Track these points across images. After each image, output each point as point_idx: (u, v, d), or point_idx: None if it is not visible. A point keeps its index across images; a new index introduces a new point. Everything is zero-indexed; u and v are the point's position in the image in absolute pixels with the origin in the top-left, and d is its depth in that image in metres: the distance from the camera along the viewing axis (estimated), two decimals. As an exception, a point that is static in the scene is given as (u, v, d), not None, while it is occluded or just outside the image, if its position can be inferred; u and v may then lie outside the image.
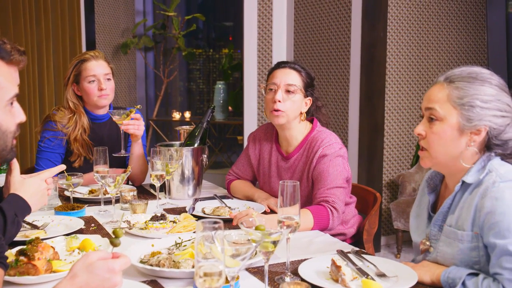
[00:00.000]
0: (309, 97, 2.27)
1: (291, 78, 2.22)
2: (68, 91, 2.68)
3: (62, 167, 1.93)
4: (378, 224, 2.37)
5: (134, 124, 2.54)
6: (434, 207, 1.65)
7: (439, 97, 1.49)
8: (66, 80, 2.69)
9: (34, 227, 1.94)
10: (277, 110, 2.20)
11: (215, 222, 1.18)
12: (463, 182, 1.48)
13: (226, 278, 1.22)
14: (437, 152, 1.51)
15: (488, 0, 4.84)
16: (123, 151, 2.58)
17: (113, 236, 1.28)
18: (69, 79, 2.67)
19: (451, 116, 1.47)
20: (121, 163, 2.78)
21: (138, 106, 2.58)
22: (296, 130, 2.28)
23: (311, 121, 2.34)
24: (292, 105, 2.21)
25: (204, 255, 1.16)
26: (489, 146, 1.48)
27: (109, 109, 2.78)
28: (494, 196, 1.39)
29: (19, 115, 1.41)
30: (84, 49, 5.25)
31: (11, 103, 1.38)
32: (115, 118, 2.52)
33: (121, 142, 2.58)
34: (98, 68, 2.64)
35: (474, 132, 1.46)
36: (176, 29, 6.68)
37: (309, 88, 2.26)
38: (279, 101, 2.19)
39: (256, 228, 1.38)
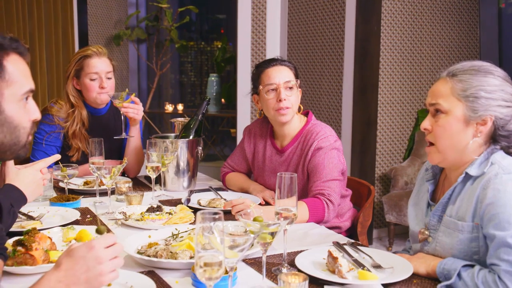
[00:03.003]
0: (300, 89, 2.29)
1: (287, 75, 2.23)
2: (69, 85, 2.67)
3: (57, 157, 1.93)
4: (371, 217, 2.39)
5: (134, 108, 2.57)
6: (432, 196, 1.66)
7: (442, 91, 1.51)
8: (67, 74, 2.68)
9: (30, 218, 1.94)
10: (284, 108, 2.20)
11: (215, 213, 1.19)
12: (466, 173, 1.50)
13: (225, 269, 1.23)
14: (443, 145, 1.52)
15: (481, -5, 4.87)
16: (124, 134, 2.63)
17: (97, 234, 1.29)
18: (70, 73, 2.66)
19: (456, 108, 1.48)
20: (117, 154, 2.78)
21: (133, 94, 2.60)
22: (294, 124, 2.30)
23: (306, 114, 2.35)
24: (295, 101, 2.24)
25: (203, 246, 1.17)
26: (494, 137, 1.49)
27: (107, 102, 2.78)
28: (497, 187, 1.41)
29: (34, 113, 1.37)
30: (76, 40, 5.22)
31: (26, 99, 1.34)
32: (116, 102, 2.53)
33: (122, 126, 2.64)
34: (100, 66, 2.63)
35: (480, 123, 1.48)
36: (169, 21, 6.65)
37: (298, 80, 2.28)
38: (285, 99, 2.20)
39: (255, 220, 1.39)
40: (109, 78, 2.67)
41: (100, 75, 2.63)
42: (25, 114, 1.33)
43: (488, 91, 1.46)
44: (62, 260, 1.18)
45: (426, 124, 1.55)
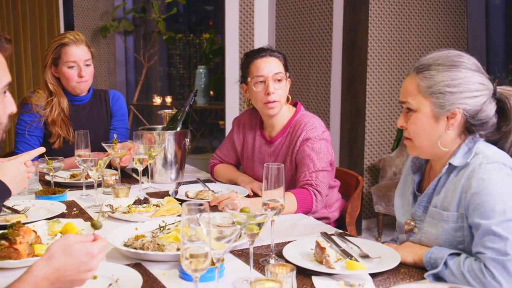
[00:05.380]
0: (289, 79, 2.28)
1: (276, 66, 2.22)
2: (47, 73, 2.65)
3: (42, 149, 1.90)
4: (360, 207, 2.39)
5: (128, 159, 2.48)
6: (419, 187, 1.67)
7: (410, 89, 1.53)
8: (45, 63, 2.65)
9: (15, 211, 1.92)
10: (272, 102, 2.19)
11: (200, 204, 1.18)
12: (450, 164, 1.51)
13: (212, 261, 1.22)
14: (419, 141, 1.55)
15: (469, -14, 4.87)
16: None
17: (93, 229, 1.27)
18: (48, 61, 2.63)
19: (424, 106, 1.50)
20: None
21: (115, 136, 2.50)
22: (283, 115, 2.29)
23: (295, 105, 2.34)
24: (283, 93, 2.23)
25: (190, 237, 1.16)
26: (469, 127, 1.50)
27: (89, 91, 2.76)
28: (481, 177, 1.42)
29: (11, 106, 1.34)
30: (62, 32, 5.14)
31: (4, 92, 1.31)
32: (113, 153, 2.37)
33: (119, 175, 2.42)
34: (78, 54, 2.60)
35: (450, 116, 1.49)
36: (157, 13, 6.59)
37: (287, 70, 2.26)
38: (273, 92, 2.18)
39: (241, 211, 1.38)
40: (87, 65, 2.63)
41: (78, 64, 2.60)
42: (3, 108, 1.31)
43: (453, 85, 1.47)
44: (56, 252, 1.16)
45: (401, 122, 1.58)
